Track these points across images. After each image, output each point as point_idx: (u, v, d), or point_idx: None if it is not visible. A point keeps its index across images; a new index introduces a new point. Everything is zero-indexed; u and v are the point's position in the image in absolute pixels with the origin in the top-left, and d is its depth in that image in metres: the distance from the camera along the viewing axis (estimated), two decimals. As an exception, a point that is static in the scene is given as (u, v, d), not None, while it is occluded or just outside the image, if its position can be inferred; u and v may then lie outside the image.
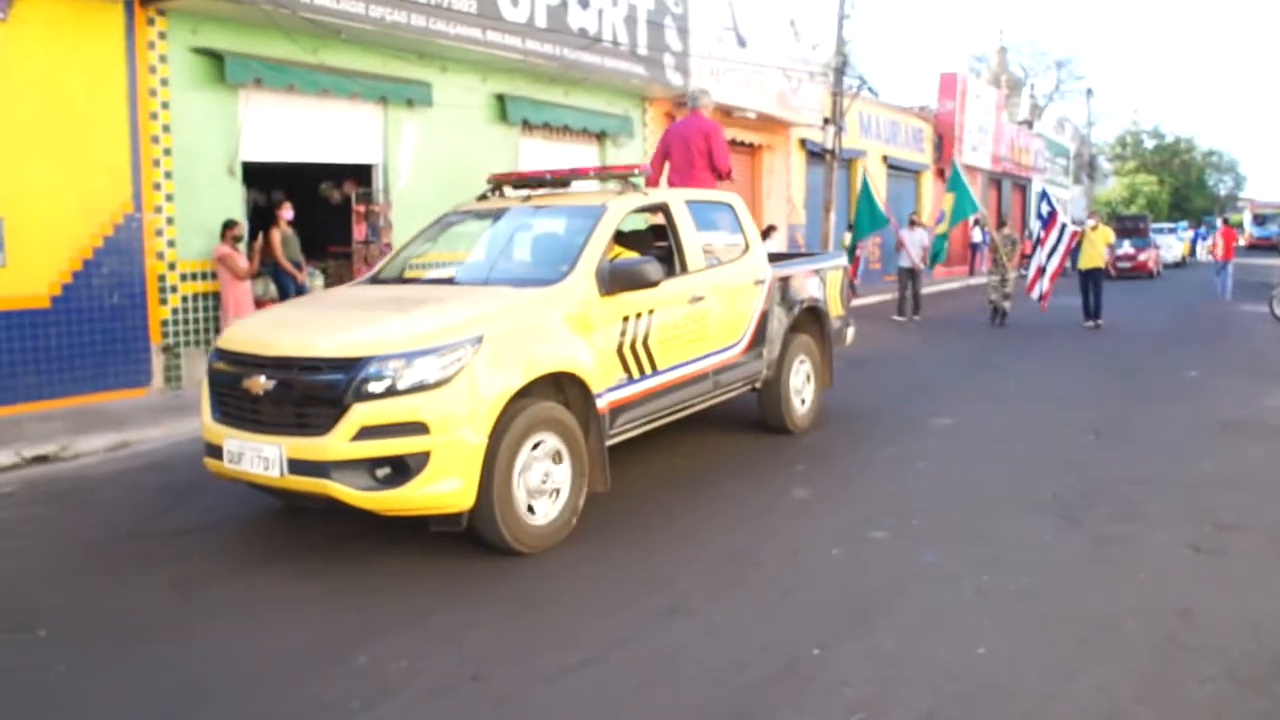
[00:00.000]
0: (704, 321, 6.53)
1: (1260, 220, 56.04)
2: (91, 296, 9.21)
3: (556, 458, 5.21)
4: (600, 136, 15.52)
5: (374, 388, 4.65)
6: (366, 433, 4.63)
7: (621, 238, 6.75)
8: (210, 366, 5.40)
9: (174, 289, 9.89)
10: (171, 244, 9.84)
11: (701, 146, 8.51)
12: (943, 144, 29.58)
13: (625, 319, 5.76)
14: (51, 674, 3.85)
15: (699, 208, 7.10)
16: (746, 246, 7.35)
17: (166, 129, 9.71)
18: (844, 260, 8.98)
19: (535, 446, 5.06)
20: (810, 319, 8.15)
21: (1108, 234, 16.73)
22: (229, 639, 4.20)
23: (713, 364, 6.68)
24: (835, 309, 8.55)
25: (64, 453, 7.54)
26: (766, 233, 17.86)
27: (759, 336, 7.25)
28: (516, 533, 4.94)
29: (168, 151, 9.73)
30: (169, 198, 9.78)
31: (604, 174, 6.87)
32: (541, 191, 7.01)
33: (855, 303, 19.33)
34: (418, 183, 12.28)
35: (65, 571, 5.14)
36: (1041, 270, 16.82)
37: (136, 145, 9.48)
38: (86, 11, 9.02)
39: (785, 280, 7.66)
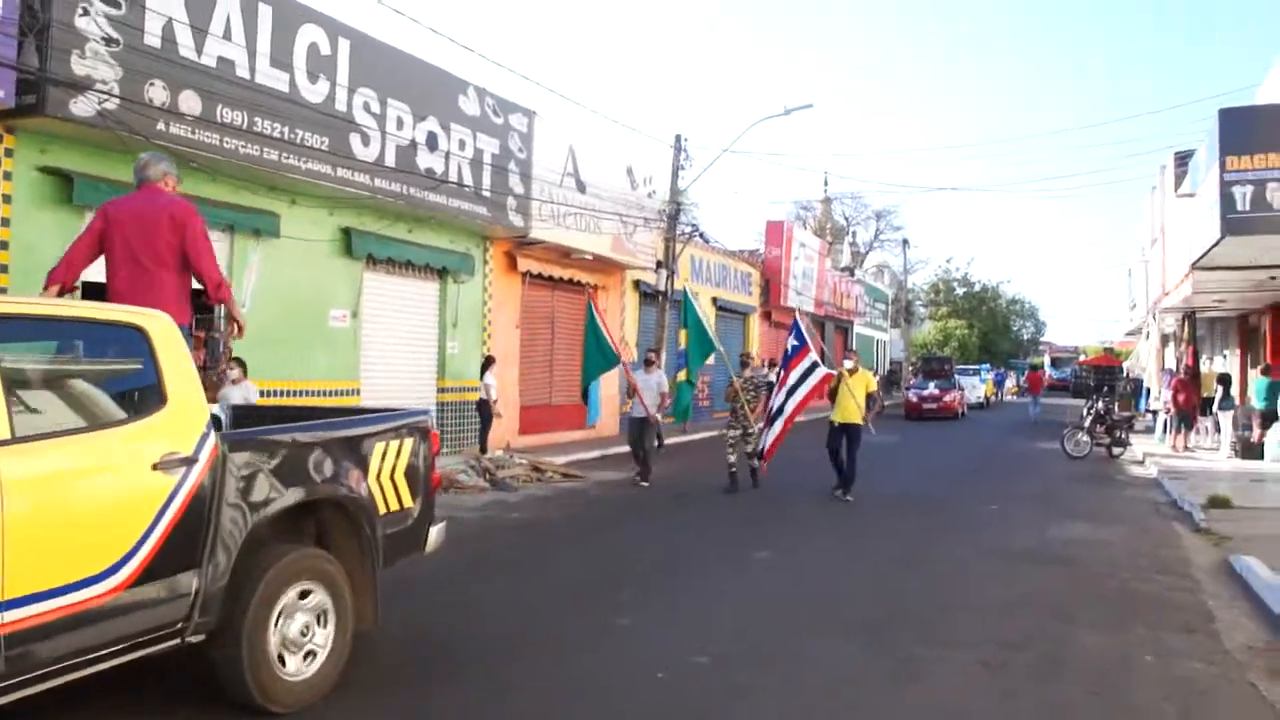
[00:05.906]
0: None
1: (1057, 363, 62.14)
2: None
3: None
4: (442, 273, 15.98)
5: None
6: None
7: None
8: None
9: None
10: (0, 364, 9.63)
11: (172, 240, 5.59)
12: (770, 287, 31.35)
13: None
14: None
15: (44, 330, 4.38)
16: (163, 399, 4.31)
17: (3, 245, 9.64)
18: (426, 421, 5.86)
19: None
20: (336, 518, 5.18)
21: (869, 380, 12.52)
22: None
23: (10, 620, 3.53)
24: (398, 499, 5.46)
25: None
26: (488, 364, 15.47)
27: (172, 557, 4.13)
28: None
29: (3, 269, 9.64)
30: (1, 317, 9.62)
31: None
32: None
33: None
34: (261, 311, 12.31)
35: None
36: (772, 420, 12.74)
37: (-30, 262, 9.38)
38: (-72, 128, 9.02)
39: (270, 453, 4.69)
